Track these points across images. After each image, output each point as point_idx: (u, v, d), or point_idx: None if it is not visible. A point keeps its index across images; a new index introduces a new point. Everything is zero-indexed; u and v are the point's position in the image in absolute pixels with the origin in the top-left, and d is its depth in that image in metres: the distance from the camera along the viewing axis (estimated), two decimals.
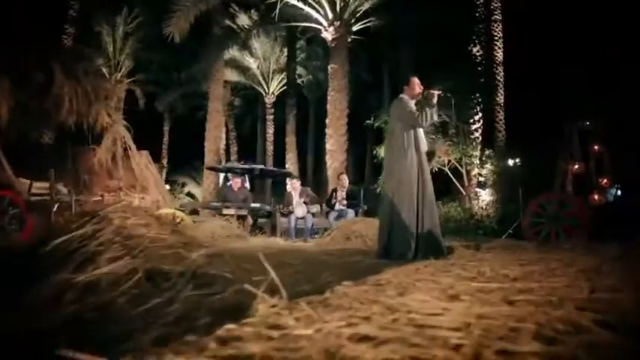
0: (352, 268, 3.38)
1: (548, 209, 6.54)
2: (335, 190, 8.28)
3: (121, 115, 8.10)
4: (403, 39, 13.70)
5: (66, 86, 6.80)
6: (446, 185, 12.99)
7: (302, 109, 22.40)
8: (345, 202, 8.06)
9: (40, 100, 6.55)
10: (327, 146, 10.02)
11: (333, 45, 10.38)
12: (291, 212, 7.92)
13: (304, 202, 7.98)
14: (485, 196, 13.30)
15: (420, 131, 4.14)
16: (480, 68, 13.92)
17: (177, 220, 7.42)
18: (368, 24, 11.91)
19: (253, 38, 20.16)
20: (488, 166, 13.25)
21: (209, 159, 14.33)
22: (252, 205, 7.75)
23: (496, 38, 16.13)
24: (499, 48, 16.71)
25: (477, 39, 14.16)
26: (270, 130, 21.82)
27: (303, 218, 7.89)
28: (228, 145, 24.64)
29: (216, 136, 14.04)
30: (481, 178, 13.46)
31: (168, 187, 21.72)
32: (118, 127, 7.97)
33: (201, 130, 22.87)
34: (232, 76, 20.66)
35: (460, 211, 12.06)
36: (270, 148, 21.88)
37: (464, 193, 12.43)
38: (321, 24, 10.73)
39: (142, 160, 8.30)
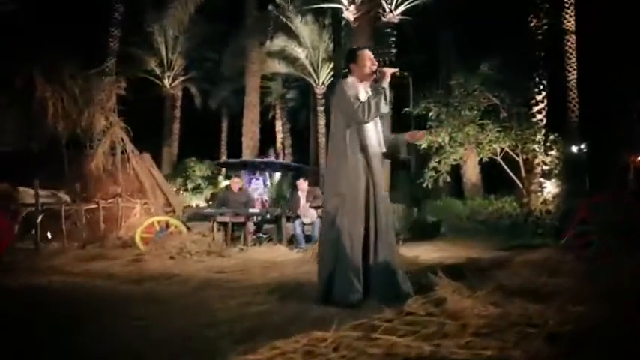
0: (266, 320, 2.49)
1: (600, 214, 5.13)
2: None
3: (117, 116, 7.56)
4: (449, 15, 12.22)
5: (48, 91, 6.41)
6: (499, 177, 11.45)
7: None
8: None
9: (22, 106, 6.20)
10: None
11: (355, 25, 9.27)
12: (297, 217, 7.07)
13: (311, 207, 7.09)
14: (551, 187, 11.54)
15: (370, 126, 3.06)
16: (539, 38, 12.00)
17: (171, 229, 6.90)
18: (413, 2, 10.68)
19: (300, 26, 19.52)
20: (553, 152, 11.46)
21: (247, 155, 13.86)
22: (251, 210, 6.97)
23: (567, 4, 14.09)
24: (570, 15, 14.63)
25: (541, 7, 12.19)
26: (322, 122, 20.99)
27: (311, 224, 7.01)
28: (282, 139, 24.26)
29: (253, 131, 13.49)
30: (545, 167, 11.68)
31: (226, 182, 21.92)
32: (116, 130, 7.55)
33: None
34: (281, 67, 20.09)
35: (516, 207, 10.54)
36: (322, 140, 21.07)
37: (520, 185, 10.83)
38: (341, 3, 9.67)
39: (143, 164, 7.85)
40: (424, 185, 11.85)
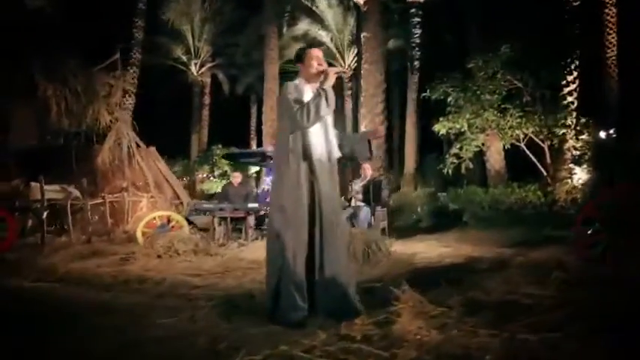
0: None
1: (607, 211, 4.72)
2: (355, 182, 7.10)
3: (125, 111, 7.58)
4: None
5: (50, 89, 6.49)
6: (525, 164, 10.88)
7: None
8: (360, 196, 6.85)
9: (30, 104, 6.32)
10: (362, 128, 8.69)
11: (365, 9, 8.90)
12: None
13: None
14: (581, 173, 10.90)
15: (316, 131, 2.82)
16: (573, 12, 11.19)
17: (172, 224, 6.92)
18: None
19: (324, 9, 19.17)
20: (584, 137, 10.78)
21: (267, 143, 13.77)
22: (250, 205, 6.88)
23: None
24: None
25: None
26: (348, 106, 20.66)
27: None
28: None
29: (273, 119, 13.37)
30: (576, 152, 11.03)
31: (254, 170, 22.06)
32: (122, 124, 7.60)
33: None
34: None
35: (540, 195, 10.00)
36: (349, 125, 20.77)
37: (545, 173, 10.27)
38: None
39: (149, 157, 7.89)
40: (444, 172, 11.47)
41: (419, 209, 13.35)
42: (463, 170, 11.39)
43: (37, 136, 7.22)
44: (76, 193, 7.53)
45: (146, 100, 20.25)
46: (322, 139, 2.83)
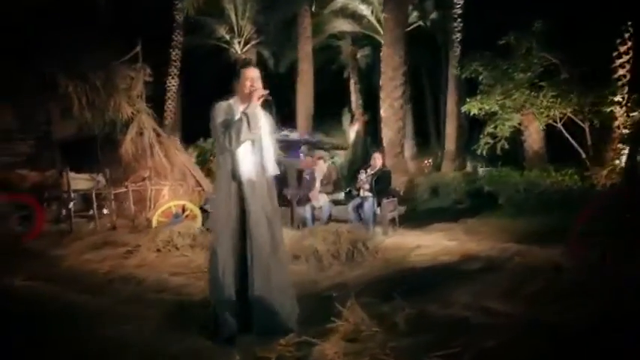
0: None
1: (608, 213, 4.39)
2: (361, 172, 7.02)
3: (144, 103, 7.89)
4: None
5: (71, 86, 6.85)
6: (566, 145, 10.22)
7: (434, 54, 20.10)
8: (367, 186, 6.77)
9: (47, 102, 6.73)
10: (381, 112, 8.47)
11: None
12: (308, 200, 6.99)
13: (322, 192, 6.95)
14: None
15: (245, 151, 2.80)
16: None
17: (187, 213, 7.19)
18: None
19: None
20: (636, 114, 9.96)
21: (301, 122, 13.80)
22: None
23: None
24: None
25: None
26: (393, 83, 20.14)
27: (320, 208, 6.90)
28: (357, 100, 23.72)
29: (307, 104, 13.37)
30: (626, 131, 10.23)
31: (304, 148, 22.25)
32: (143, 116, 7.91)
33: (328, 86, 22.59)
34: (346, 26, 19.47)
35: (577, 180, 9.42)
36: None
37: (583, 155, 9.63)
38: None
39: (170, 146, 8.19)
40: (478, 152, 11.05)
41: (455, 190, 13.02)
42: (499, 151, 10.95)
43: (76, 127, 7.65)
44: (104, 181, 8.00)
45: (191, 80, 20.86)
46: (254, 158, 2.83)
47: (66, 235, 6.78)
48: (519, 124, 10.84)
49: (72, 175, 7.86)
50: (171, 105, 17.84)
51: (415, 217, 8.18)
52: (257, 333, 2.78)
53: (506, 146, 10.74)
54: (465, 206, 11.21)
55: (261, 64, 24.14)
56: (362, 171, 6.98)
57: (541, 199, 9.19)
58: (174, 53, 17.75)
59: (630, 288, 3.36)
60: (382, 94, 8.65)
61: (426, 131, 24.23)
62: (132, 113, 7.80)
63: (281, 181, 9.36)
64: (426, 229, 7.08)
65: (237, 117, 2.82)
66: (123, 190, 7.70)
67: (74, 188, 7.61)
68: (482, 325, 2.96)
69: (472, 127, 17.96)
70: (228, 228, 2.80)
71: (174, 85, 17.77)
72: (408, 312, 3.13)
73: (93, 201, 7.40)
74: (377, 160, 6.92)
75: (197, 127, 23.46)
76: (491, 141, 10.61)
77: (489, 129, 10.58)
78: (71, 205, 7.14)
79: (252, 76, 2.90)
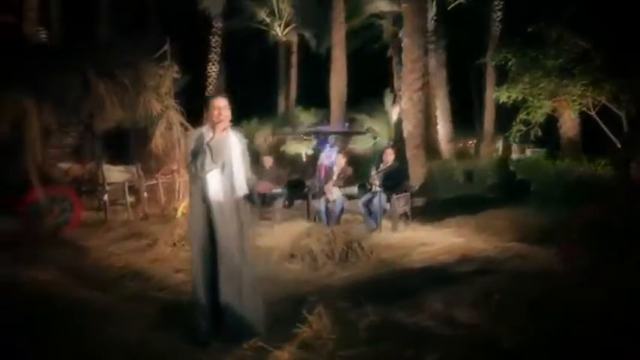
0: None
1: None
2: (373, 167, 7.15)
3: (173, 100, 8.34)
4: None
5: (101, 86, 7.37)
6: (598, 135, 9.79)
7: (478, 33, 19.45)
8: (377, 182, 6.91)
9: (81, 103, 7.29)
10: (402, 104, 8.45)
11: None
12: (323, 193, 7.22)
13: (337, 186, 7.15)
14: None
15: (214, 175, 3.05)
16: None
17: None
18: None
19: None
20: None
21: (334, 107, 13.88)
22: (275, 190, 7.29)
23: None
24: None
25: None
26: (432, 62, 19.70)
27: (334, 202, 7.11)
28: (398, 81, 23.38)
29: (340, 91, 13.44)
30: None
31: (347, 123, 22.42)
32: (171, 112, 8.36)
33: (371, 66, 22.37)
34: (385, 6, 19.19)
35: (610, 170, 9.08)
36: (431, 80, 19.87)
37: (618, 144, 9.21)
38: None
39: None
40: (510, 139, 10.83)
41: (489, 176, 12.79)
42: (532, 137, 10.70)
43: (114, 121, 8.18)
44: (137, 173, 8.57)
45: (233, 64, 21.37)
46: (222, 182, 3.09)
47: (100, 225, 7.39)
48: (553, 110, 10.49)
49: (108, 167, 8.50)
50: (212, 91, 18.44)
51: (434, 209, 8.20)
52: (227, 337, 3.09)
53: (539, 133, 10.47)
54: (494, 194, 11.02)
55: (302, 46, 24.34)
56: (374, 166, 7.12)
57: (570, 189, 8.94)
58: (213, 40, 18.25)
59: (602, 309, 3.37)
60: (402, 86, 8.63)
61: (470, 113, 23.70)
62: (161, 109, 8.25)
63: (303, 173, 9.58)
64: (439, 224, 7.14)
65: (206, 139, 3.08)
66: (154, 182, 8.23)
67: (110, 180, 8.24)
68: (439, 336, 3.12)
69: (516, 109, 17.46)
70: (199, 244, 3.11)
71: (214, 72, 18.32)
72: (372, 319, 3.34)
73: (126, 192, 7.98)
74: (389, 155, 7.03)
75: (240, 110, 23.92)
76: (523, 128, 10.35)
77: (522, 115, 10.31)
78: (105, 196, 7.73)
79: (220, 105, 3.14)
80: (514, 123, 10.51)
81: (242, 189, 3.19)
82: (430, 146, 19.24)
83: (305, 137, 15.50)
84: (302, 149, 19.45)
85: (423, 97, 8.35)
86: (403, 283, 4.26)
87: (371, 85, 21.82)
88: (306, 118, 21.07)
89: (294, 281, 4.45)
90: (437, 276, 4.50)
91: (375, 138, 20.63)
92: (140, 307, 3.82)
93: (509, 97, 9.56)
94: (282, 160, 19.21)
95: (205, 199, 3.08)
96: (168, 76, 8.35)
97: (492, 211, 7.98)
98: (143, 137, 8.38)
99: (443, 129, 17.59)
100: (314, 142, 17.68)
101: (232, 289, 3.09)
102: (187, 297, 3.99)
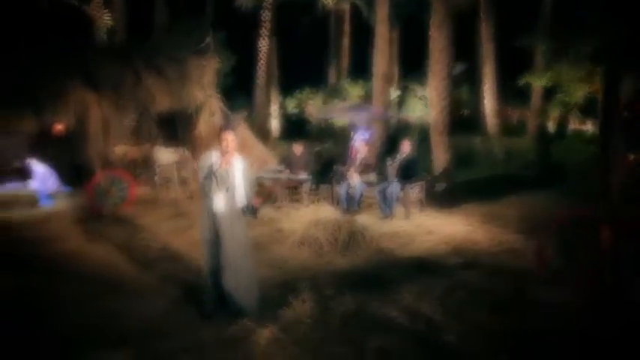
0: None
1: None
2: (389, 158, 7.65)
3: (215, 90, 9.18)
4: None
5: (150, 79, 8.32)
6: None
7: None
8: (392, 171, 7.43)
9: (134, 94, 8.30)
10: (427, 92, 8.69)
11: None
12: (345, 179, 7.83)
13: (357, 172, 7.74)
14: None
15: (217, 194, 3.85)
16: None
17: None
18: None
19: None
20: None
21: (376, 86, 14.10)
22: (301, 176, 8.02)
23: None
24: None
25: None
26: (482, 36, 19.18)
27: (354, 187, 7.73)
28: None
29: (382, 62, 13.62)
30: None
31: (398, 92, 22.57)
32: (213, 100, 9.21)
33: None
34: None
35: None
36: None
37: None
38: None
39: (236, 126, 9.43)
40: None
41: (528, 155, 12.79)
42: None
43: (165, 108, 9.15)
44: (186, 155, 9.58)
45: (285, 36, 21.88)
46: (225, 199, 3.86)
47: (152, 204, 8.48)
48: (594, 91, 10.34)
49: (159, 149, 9.57)
50: (262, 66, 19.14)
51: (455, 193, 8.57)
52: (227, 315, 3.92)
53: (579, 114, 10.40)
54: (528, 174, 11.11)
55: (355, 15, 24.30)
56: (390, 158, 7.62)
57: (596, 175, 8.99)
58: (264, 15, 18.77)
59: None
60: (429, 74, 8.90)
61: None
62: (203, 99, 9.10)
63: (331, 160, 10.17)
64: (451, 211, 7.57)
65: (214, 167, 3.83)
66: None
67: (161, 161, 9.31)
68: (397, 326, 3.77)
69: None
70: (207, 244, 3.94)
71: (265, 46, 18.93)
72: (348, 308, 4.04)
73: (174, 173, 9.02)
74: (405, 146, 7.49)
75: (291, 80, 24.50)
76: (562, 109, 10.34)
77: (559, 96, 10.28)
78: (156, 176, 8.81)
79: (228, 138, 3.87)
80: (553, 103, 10.49)
81: (241, 202, 3.94)
82: (475, 121, 19.14)
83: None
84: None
85: (448, 86, 8.59)
86: (387, 274, 4.88)
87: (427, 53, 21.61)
88: (353, 91, 21.41)
89: (298, 267, 5.19)
90: (422, 268, 5.08)
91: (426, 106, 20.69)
92: (169, 286, 4.74)
93: (539, 83, 9.56)
94: (330, 131, 19.88)
95: (211, 212, 3.87)
96: (210, 68, 9.13)
97: (509, 199, 8.30)
98: (189, 123, 9.29)
99: (489, 103, 17.39)
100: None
101: (231, 278, 3.90)
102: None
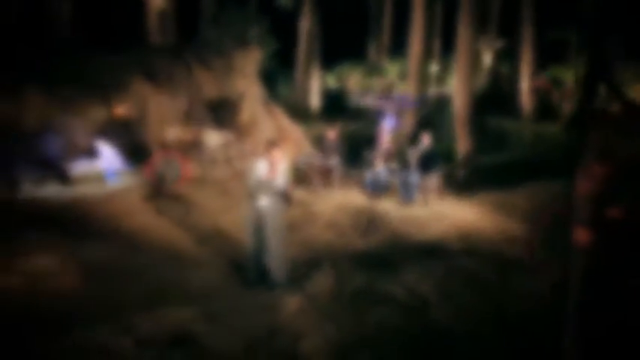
0: None
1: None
2: (410, 148, 8.45)
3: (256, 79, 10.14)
4: None
5: (199, 71, 9.38)
6: None
7: None
8: (413, 162, 8.23)
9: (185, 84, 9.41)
10: (453, 84, 9.28)
11: None
12: (371, 165, 8.70)
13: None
14: None
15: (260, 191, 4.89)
16: None
17: None
18: None
19: None
20: None
21: (413, 64, 14.53)
22: (332, 161, 8.96)
23: None
24: None
25: None
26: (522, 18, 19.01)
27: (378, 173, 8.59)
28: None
29: (418, 48, 14.10)
30: None
31: (437, 67, 22.80)
32: (255, 89, 10.19)
33: None
34: None
35: None
36: None
37: None
38: None
39: (275, 113, 10.41)
40: None
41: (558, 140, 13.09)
42: None
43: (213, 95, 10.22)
44: (231, 138, 10.68)
45: (326, 10, 22.34)
46: (268, 199, 4.89)
47: (202, 183, 9.64)
48: None
49: (208, 131, 10.69)
50: (304, 44, 19.87)
51: (474, 179, 9.29)
52: (265, 284, 5.00)
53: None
54: (554, 160, 11.51)
55: None
56: (412, 149, 8.41)
57: None
58: None
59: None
60: (455, 65, 9.48)
61: None
62: (246, 87, 10.09)
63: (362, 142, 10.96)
64: (467, 199, 8.34)
65: (260, 170, 4.84)
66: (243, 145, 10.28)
67: (208, 143, 10.44)
68: (395, 302, 4.72)
69: None
70: (250, 229, 5.01)
71: (305, 26, 19.61)
72: (359, 283, 5.01)
73: (220, 154, 10.15)
74: (425, 139, 8.25)
75: (334, 56, 24.80)
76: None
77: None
78: (204, 158, 9.96)
79: (276, 154, 4.89)
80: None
81: (280, 189, 4.95)
82: (511, 100, 19.28)
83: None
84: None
85: (472, 80, 9.18)
86: (397, 256, 5.81)
87: None
88: (392, 69, 21.86)
89: (324, 247, 6.21)
90: (429, 252, 5.97)
91: None
92: (218, 259, 5.85)
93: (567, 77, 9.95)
94: (365, 109, 20.54)
95: (256, 208, 4.93)
96: (253, 58, 10.07)
97: (525, 186, 8.93)
98: (234, 109, 10.34)
99: (525, 83, 17.56)
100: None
101: (269, 258, 4.96)
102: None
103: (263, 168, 4.92)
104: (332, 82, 25.70)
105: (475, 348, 3.86)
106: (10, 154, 8.24)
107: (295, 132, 10.82)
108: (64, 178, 9.51)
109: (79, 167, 10.13)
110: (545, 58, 14.98)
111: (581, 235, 4.73)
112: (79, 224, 6.94)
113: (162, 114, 9.76)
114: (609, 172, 4.78)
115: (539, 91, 17.99)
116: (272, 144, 5.06)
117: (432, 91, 19.93)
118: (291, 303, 4.62)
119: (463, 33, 9.06)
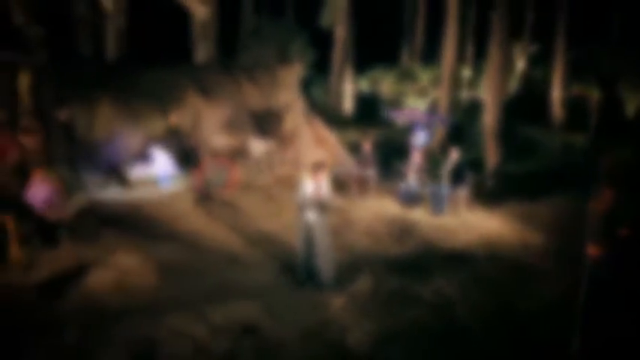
0: None
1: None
2: (442, 164, 9.10)
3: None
4: None
5: (246, 85, 10.29)
6: None
7: None
8: (445, 175, 8.88)
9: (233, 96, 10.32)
10: (485, 95, 9.81)
11: None
12: (403, 177, 9.40)
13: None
14: None
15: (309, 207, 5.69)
16: None
17: None
18: None
19: None
20: None
21: (446, 70, 15.03)
22: (368, 171, 9.68)
23: None
24: None
25: None
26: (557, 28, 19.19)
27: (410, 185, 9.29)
28: None
29: (451, 58, 14.62)
30: None
31: (470, 72, 23.07)
32: (297, 102, 11.02)
33: None
34: None
35: None
36: None
37: None
38: None
39: (314, 124, 11.21)
40: None
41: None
42: None
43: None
44: (274, 146, 11.53)
45: (361, 13, 22.95)
46: (315, 212, 5.69)
47: (247, 188, 10.52)
48: None
49: (253, 140, 11.59)
50: (338, 53, 20.67)
51: (502, 190, 9.85)
52: (314, 284, 5.81)
53: None
54: (582, 170, 11.88)
55: None
56: (444, 163, 9.06)
57: None
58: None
59: None
60: (487, 83, 10.04)
61: None
62: (289, 100, 10.93)
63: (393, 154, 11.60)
64: (494, 209, 8.93)
65: (307, 186, 5.64)
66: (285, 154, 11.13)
67: (254, 151, 11.34)
68: (422, 301, 5.43)
69: None
70: (302, 238, 5.83)
71: (341, 35, 20.35)
72: (394, 286, 5.75)
73: (264, 161, 11.03)
74: (453, 153, 8.88)
75: (367, 59, 25.18)
76: None
77: None
78: (250, 164, 10.86)
79: (320, 176, 5.69)
80: None
81: (324, 200, 5.74)
82: (538, 109, 19.48)
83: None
84: (420, 105, 21.07)
85: (502, 96, 9.73)
86: (427, 262, 6.51)
87: None
88: (424, 75, 22.28)
89: (362, 252, 6.96)
90: (456, 259, 6.65)
91: None
92: (269, 261, 6.68)
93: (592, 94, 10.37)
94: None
95: (305, 220, 5.76)
96: (295, 73, 10.90)
97: (549, 197, 9.44)
98: (277, 119, 11.19)
99: (557, 91, 17.81)
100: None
101: (318, 263, 5.77)
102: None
103: (310, 187, 5.72)
104: (365, 85, 26.22)
105: (490, 342, 4.57)
106: (85, 161, 9.26)
107: (332, 140, 11.58)
108: (124, 181, 10.55)
109: (136, 172, 11.16)
110: (577, 69, 15.28)
111: (592, 250, 5.37)
112: (144, 226, 7.88)
113: (213, 124, 10.69)
114: (617, 196, 5.37)
115: (572, 100, 18.19)
116: (318, 167, 5.83)
117: (464, 94, 20.32)
118: (337, 301, 5.41)
119: (496, 53, 9.62)
